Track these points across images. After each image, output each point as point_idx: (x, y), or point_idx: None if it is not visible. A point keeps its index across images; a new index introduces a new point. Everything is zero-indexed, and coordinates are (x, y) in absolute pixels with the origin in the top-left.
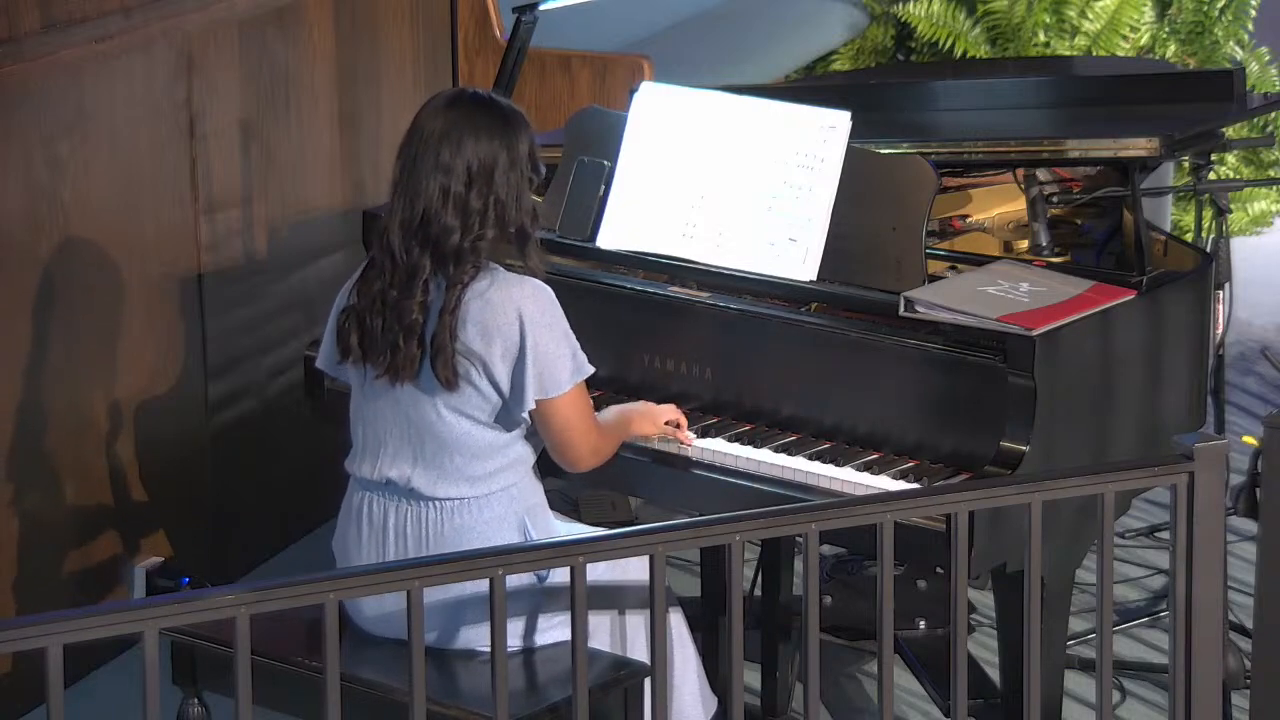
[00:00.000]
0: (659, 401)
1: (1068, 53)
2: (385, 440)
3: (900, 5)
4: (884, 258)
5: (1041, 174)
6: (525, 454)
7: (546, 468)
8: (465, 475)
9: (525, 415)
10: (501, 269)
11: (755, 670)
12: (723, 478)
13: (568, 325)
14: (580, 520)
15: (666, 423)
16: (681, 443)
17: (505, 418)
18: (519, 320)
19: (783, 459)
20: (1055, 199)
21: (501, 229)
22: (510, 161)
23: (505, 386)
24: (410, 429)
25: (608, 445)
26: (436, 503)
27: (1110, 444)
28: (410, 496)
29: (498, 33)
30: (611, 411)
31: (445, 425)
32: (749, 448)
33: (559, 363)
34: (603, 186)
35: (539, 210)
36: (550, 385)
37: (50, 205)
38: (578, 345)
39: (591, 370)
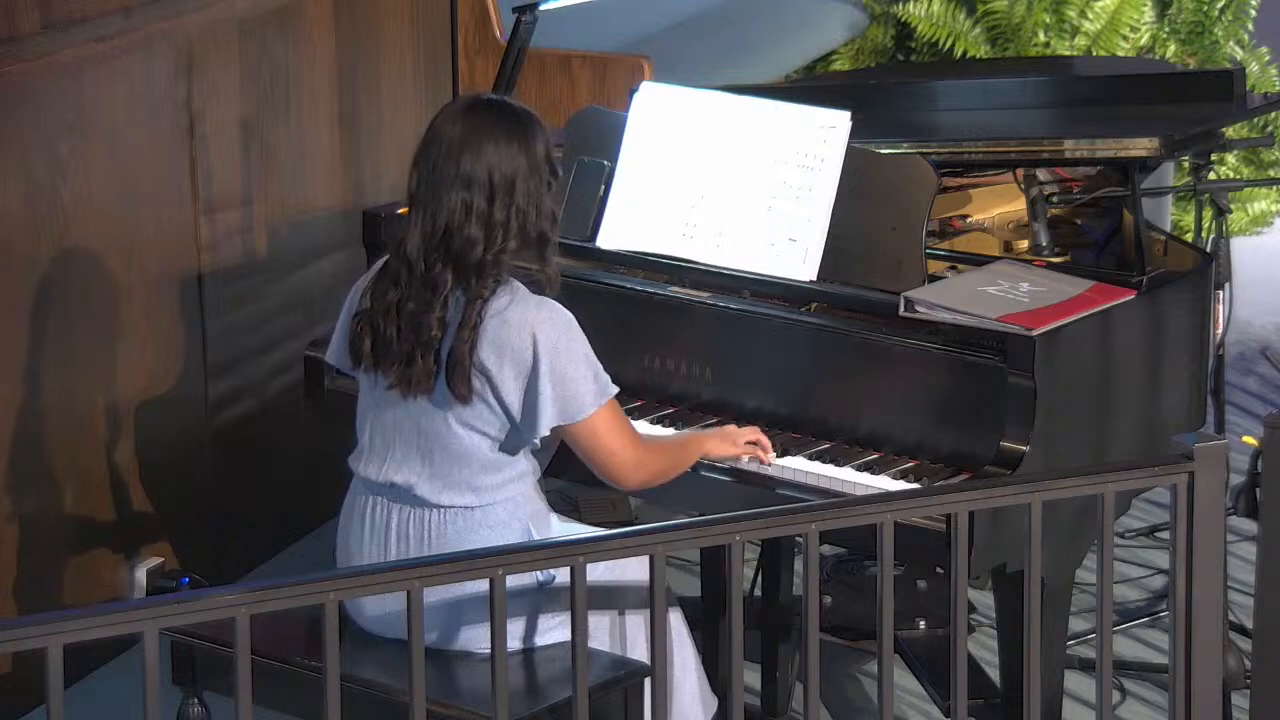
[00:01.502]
0: (659, 401)
1: (1068, 53)
2: (394, 445)
3: (900, 5)
4: (884, 258)
5: (1041, 174)
6: (531, 468)
7: (548, 468)
8: (471, 486)
9: (535, 440)
10: (523, 288)
11: (755, 670)
12: (722, 477)
13: (588, 347)
14: (580, 520)
15: (748, 443)
16: (761, 461)
17: (514, 438)
18: (533, 344)
19: (783, 459)
20: (1055, 199)
21: (523, 238)
22: (530, 168)
23: (515, 409)
24: (420, 438)
25: (656, 460)
26: (440, 509)
27: (1110, 444)
28: (414, 502)
29: (498, 33)
30: (683, 433)
31: (456, 438)
32: None
33: (581, 386)
34: (603, 186)
35: (557, 215)
36: (574, 410)
37: (50, 205)
38: (600, 367)
39: (616, 390)
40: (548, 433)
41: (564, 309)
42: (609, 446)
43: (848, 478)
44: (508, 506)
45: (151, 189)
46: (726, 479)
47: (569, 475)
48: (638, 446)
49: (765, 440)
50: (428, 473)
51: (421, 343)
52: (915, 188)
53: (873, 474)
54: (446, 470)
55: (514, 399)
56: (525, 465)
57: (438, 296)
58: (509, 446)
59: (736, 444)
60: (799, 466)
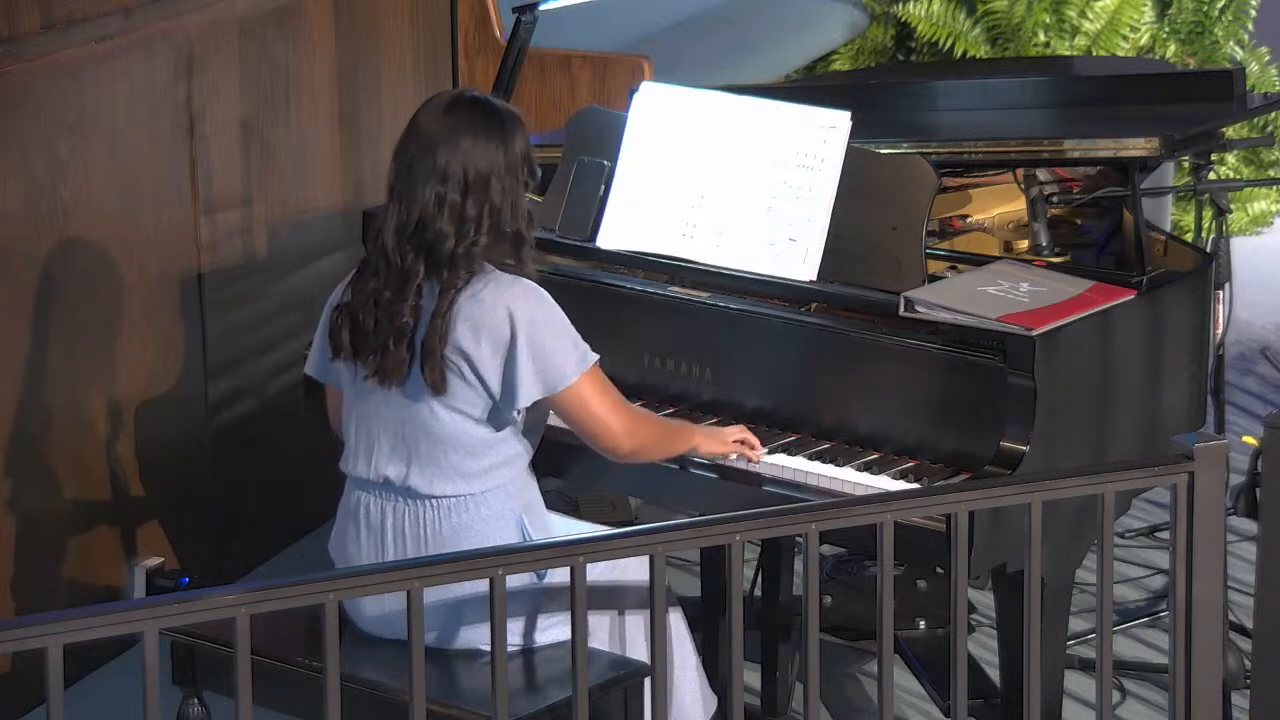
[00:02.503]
0: (660, 401)
1: (1068, 53)
2: (379, 438)
3: (900, 5)
4: (884, 258)
5: (1041, 174)
6: (520, 450)
7: (544, 467)
8: (461, 472)
9: (516, 414)
10: (497, 270)
11: (755, 670)
12: (715, 476)
13: (565, 319)
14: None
15: (736, 441)
16: (750, 459)
17: (496, 416)
18: (509, 320)
19: (783, 459)
20: (1055, 199)
21: (497, 234)
22: (507, 167)
23: (495, 386)
24: (404, 427)
25: (647, 428)
26: (434, 501)
27: (1110, 444)
28: (407, 495)
29: (498, 33)
30: (674, 420)
31: (439, 422)
32: None
33: (560, 356)
34: (603, 186)
35: (534, 213)
36: (556, 380)
37: (50, 205)
38: (578, 336)
39: (596, 357)
40: (528, 404)
41: (538, 286)
42: (596, 412)
43: (848, 478)
44: (500, 496)
45: (151, 189)
46: (724, 480)
47: (569, 475)
48: (627, 412)
49: (753, 438)
50: (417, 462)
51: (395, 330)
52: (915, 188)
53: (873, 474)
54: (434, 457)
55: (493, 375)
56: (514, 448)
57: (410, 285)
58: (493, 425)
59: (725, 442)
60: (799, 466)
